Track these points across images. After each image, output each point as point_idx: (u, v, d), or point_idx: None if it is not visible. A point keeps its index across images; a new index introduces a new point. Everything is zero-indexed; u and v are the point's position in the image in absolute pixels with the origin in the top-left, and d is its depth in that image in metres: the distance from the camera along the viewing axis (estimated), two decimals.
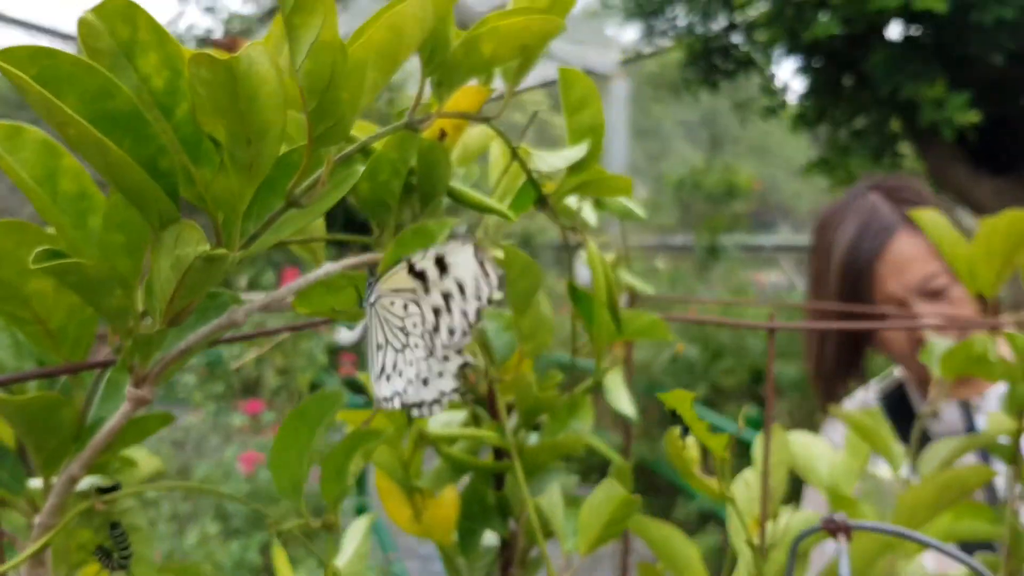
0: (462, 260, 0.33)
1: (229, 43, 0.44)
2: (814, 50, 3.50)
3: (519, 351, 0.43)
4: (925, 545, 0.33)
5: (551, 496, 0.44)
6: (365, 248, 0.40)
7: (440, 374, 0.34)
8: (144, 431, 0.37)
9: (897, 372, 1.11)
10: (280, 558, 0.34)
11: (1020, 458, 0.55)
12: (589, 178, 0.48)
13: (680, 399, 0.37)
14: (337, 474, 0.35)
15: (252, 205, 0.32)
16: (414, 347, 0.33)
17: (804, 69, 3.73)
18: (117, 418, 0.32)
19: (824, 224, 1.13)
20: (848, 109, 3.45)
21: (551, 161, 0.45)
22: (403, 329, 0.33)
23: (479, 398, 0.56)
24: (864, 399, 1.11)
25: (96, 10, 0.30)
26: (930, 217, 0.54)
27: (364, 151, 0.37)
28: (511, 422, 0.55)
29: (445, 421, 0.55)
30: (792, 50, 3.63)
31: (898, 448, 0.58)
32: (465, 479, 0.56)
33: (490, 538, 0.52)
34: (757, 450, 0.54)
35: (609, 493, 0.41)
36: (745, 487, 0.54)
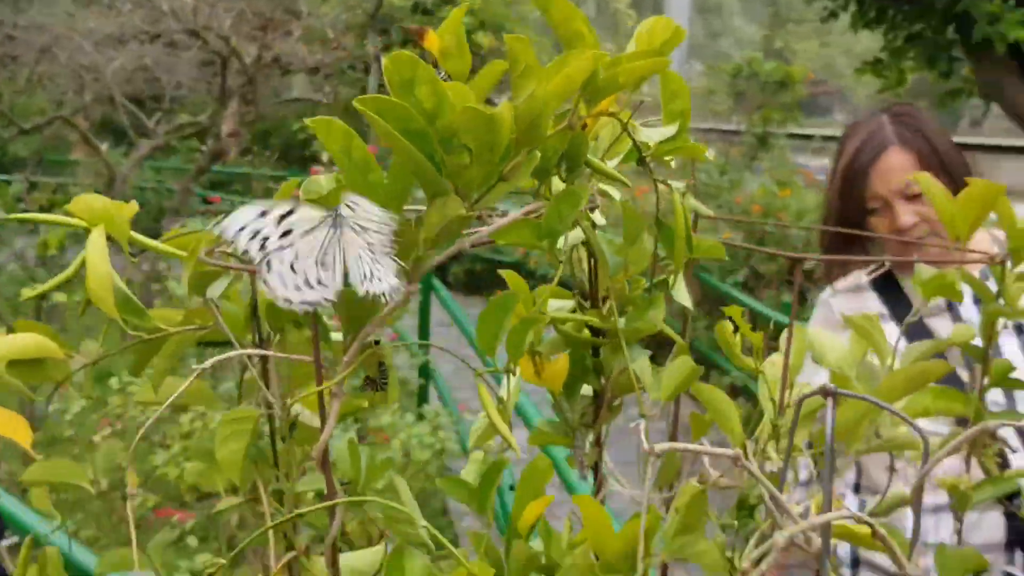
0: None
1: (418, 31, 0.59)
2: None
3: (624, 268, 0.64)
4: (893, 414, 0.54)
5: (642, 362, 0.65)
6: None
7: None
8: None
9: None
10: (483, 389, 0.56)
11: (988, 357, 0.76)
12: (676, 146, 0.67)
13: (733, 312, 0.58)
14: (518, 340, 0.57)
15: (481, 182, 0.52)
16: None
17: None
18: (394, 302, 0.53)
19: (845, 134, 1.48)
20: (906, 15, 3.50)
21: (651, 135, 0.64)
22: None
23: (583, 292, 0.77)
24: (856, 278, 1.45)
25: (391, 59, 0.50)
26: (925, 179, 0.73)
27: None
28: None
29: (558, 306, 0.76)
30: None
31: (887, 343, 0.78)
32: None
33: (586, 390, 0.74)
34: (783, 339, 0.75)
35: (683, 363, 0.62)
36: (771, 365, 0.75)
